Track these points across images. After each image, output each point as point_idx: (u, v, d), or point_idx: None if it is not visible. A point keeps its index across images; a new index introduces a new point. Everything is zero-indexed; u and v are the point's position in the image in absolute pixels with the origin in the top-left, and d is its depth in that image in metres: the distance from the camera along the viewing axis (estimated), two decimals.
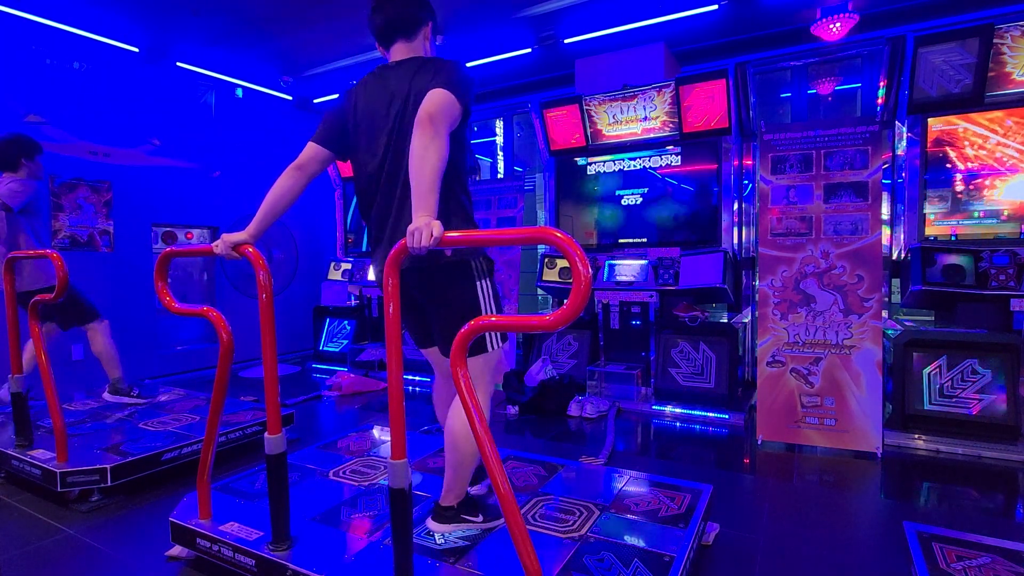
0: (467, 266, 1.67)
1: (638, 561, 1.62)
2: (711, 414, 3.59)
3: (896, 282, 3.49)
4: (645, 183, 4.25)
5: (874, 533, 2.13)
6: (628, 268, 4.10)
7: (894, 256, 3.43)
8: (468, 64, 4.90)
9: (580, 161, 4.49)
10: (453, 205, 1.64)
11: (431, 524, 1.79)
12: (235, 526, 1.84)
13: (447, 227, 1.36)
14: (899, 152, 3.45)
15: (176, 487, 2.55)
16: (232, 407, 3.21)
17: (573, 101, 4.31)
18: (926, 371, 3.03)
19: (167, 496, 2.46)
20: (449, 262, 1.62)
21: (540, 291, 4.90)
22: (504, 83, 5.46)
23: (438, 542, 1.73)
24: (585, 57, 4.57)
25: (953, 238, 3.27)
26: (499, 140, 6.12)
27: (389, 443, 1.45)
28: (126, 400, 3.38)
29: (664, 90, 4.00)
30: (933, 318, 3.54)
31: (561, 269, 4.31)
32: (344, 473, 2.33)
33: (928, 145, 3.32)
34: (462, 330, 1.23)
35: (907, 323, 3.49)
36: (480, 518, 1.80)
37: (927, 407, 3.01)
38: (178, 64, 5.06)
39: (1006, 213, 3.15)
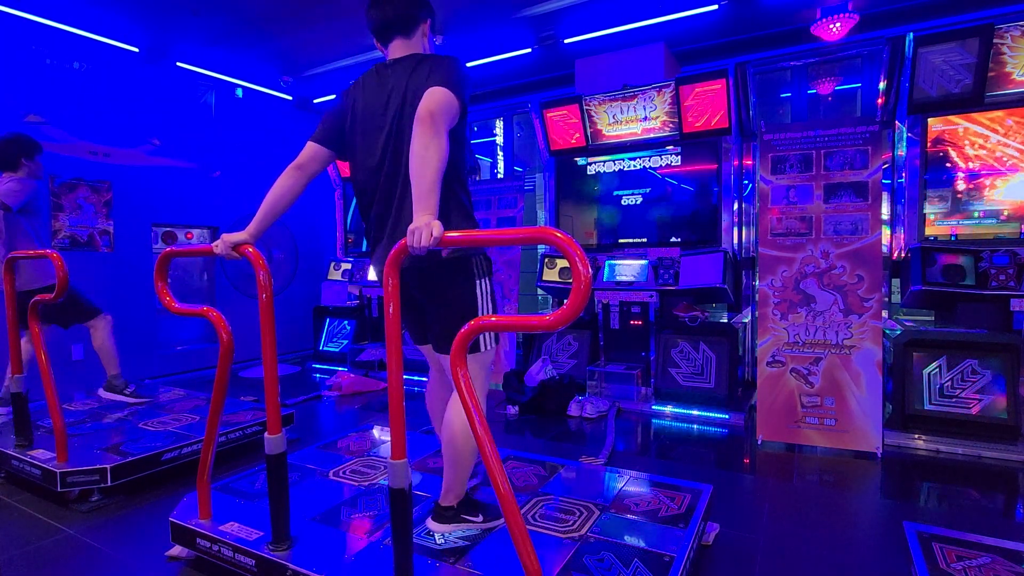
0: (467, 264, 1.67)
1: (638, 561, 1.62)
2: (711, 414, 3.59)
3: (896, 282, 3.48)
4: (645, 183, 4.25)
5: (874, 533, 2.13)
6: (628, 268, 4.10)
7: (894, 256, 3.43)
8: (468, 64, 4.90)
9: (580, 161, 4.49)
10: (453, 204, 1.64)
11: (431, 524, 1.79)
12: (235, 526, 1.84)
13: (447, 225, 1.36)
14: (899, 152, 3.45)
15: (176, 487, 2.55)
16: (232, 407, 3.21)
17: (573, 101, 4.30)
18: (926, 371, 3.03)
19: (167, 496, 2.46)
20: (449, 260, 1.62)
21: (540, 291, 4.90)
22: (504, 83, 5.46)
23: (438, 542, 1.73)
24: (585, 57, 4.57)
25: (953, 238, 3.27)
26: (499, 140, 6.12)
27: (389, 443, 1.45)
28: (122, 398, 3.38)
29: (664, 90, 4.00)
30: (933, 318, 3.54)
31: (561, 269, 4.31)
32: (344, 473, 2.33)
33: (928, 145, 3.32)
34: (462, 330, 1.23)
35: (907, 323, 3.49)
36: (480, 518, 1.80)
37: (927, 407, 3.01)
38: (178, 64, 5.06)
39: (1006, 213, 3.15)
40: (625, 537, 1.76)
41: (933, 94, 3.26)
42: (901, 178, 3.41)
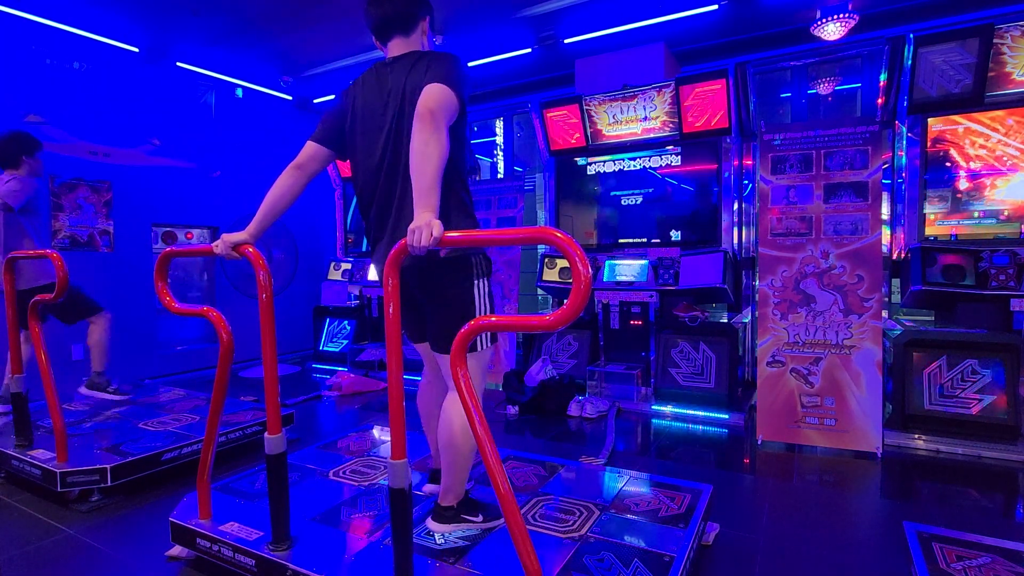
0: (466, 263, 1.67)
1: (638, 561, 1.62)
2: (711, 414, 3.59)
3: (896, 282, 3.48)
4: (645, 183, 4.25)
5: (874, 533, 2.13)
6: (628, 268, 4.10)
7: (894, 256, 3.43)
8: (468, 64, 4.90)
9: (580, 161, 4.49)
10: (454, 202, 1.64)
11: (431, 524, 1.79)
12: (235, 526, 1.84)
13: (448, 224, 1.36)
14: (899, 152, 3.45)
15: (176, 487, 2.55)
16: (232, 407, 3.21)
17: (573, 101, 4.30)
18: (926, 371, 3.03)
19: (167, 496, 2.46)
20: (449, 259, 1.62)
21: (540, 291, 4.90)
22: (504, 83, 5.46)
23: (438, 542, 1.73)
24: (585, 57, 4.57)
25: (953, 238, 3.27)
26: (499, 140, 6.12)
27: (389, 443, 1.45)
28: (104, 396, 3.36)
29: (664, 90, 4.00)
30: (933, 318, 3.54)
31: (561, 269, 4.31)
32: (344, 473, 2.33)
33: (928, 145, 3.32)
34: (462, 330, 1.23)
35: (907, 323, 3.49)
36: (480, 518, 1.80)
37: (927, 407, 3.01)
38: (178, 64, 5.06)
39: (1006, 213, 3.15)
40: (625, 537, 1.76)
41: (933, 94, 3.26)
42: (901, 178, 3.42)
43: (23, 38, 4.11)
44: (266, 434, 1.65)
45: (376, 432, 2.91)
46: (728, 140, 3.90)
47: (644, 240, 4.23)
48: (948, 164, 3.28)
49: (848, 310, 2.97)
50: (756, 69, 4.37)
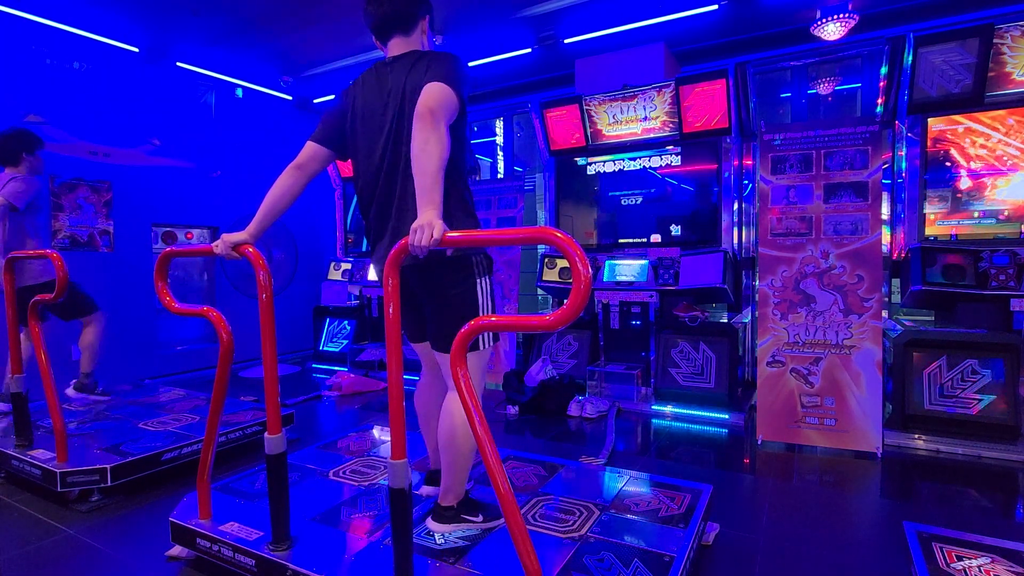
0: (468, 262, 1.67)
1: (638, 561, 1.62)
2: (711, 414, 3.59)
3: (896, 282, 3.48)
4: (645, 183, 4.25)
5: (874, 533, 2.13)
6: (628, 268, 4.10)
7: (894, 256, 3.43)
8: (468, 64, 4.90)
9: (580, 161, 4.49)
10: (456, 201, 1.64)
11: (431, 524, 1.79)
12: (235, 526, 1.84)
13: (450, 222, 1.36)
14: (899, 152, 3.45)
15: (176, 487, 2.55)
16: (232, 407, 3.21)
17: (573, 101, 4.30)
18: (926, 371, 3.03)
19: (167, 496, 2.46)
20: (450, 258, 1.62)
21: (540, 291, 4.90)
22: (504, 83, 5.46)
23: (438, 542, 1.73)
24: (585, 57, 4.57)
25: (953, 238, 3.27)
26: (499, 140, 6.12)
27: (389, 443, 1.45)
28: (92, 398, 3.36)
29: (664, 90, 4.00)
30: (933, 318, 3.54)
31: (561, 269, 4.31)
32: (344, 473, 2.33)
33: (928, 145, 3.32)
34: (463, 330, 1.23)
35: (907, 323, 3.49)
36: (480, 518, 1.80)
37: (927, 407, 3.01)
38: (178, 64, 5.06)
39: (1006, 213, 3.15)
40: (625, 537, 1.76)
41: (933, 94, 3.26)
42: (901, 178, 3.42)
43: (23, 38, 4.11)
44: (266, 434, 1.65)
45: (376, 432, 2.91)
46: (728, 140, 3.90)
47: (644, 240, 4.23)
48: (948, 164, 3.28)
49: (848, 310, 2.97)
50: (756, 69, 4.37)
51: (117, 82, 4.64)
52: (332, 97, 5.67)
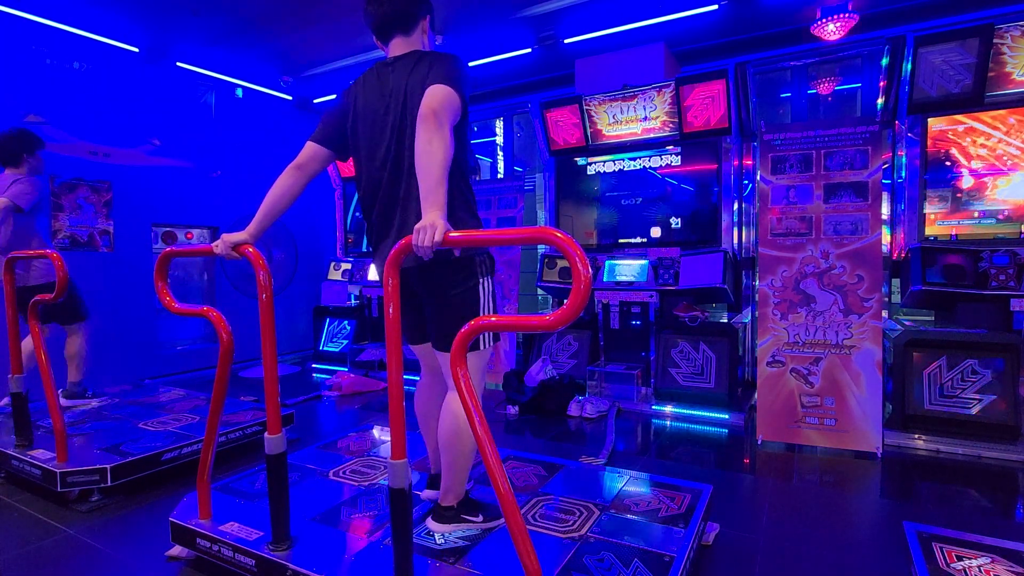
0: (470, 263, 1.67)
1: (638, 561, 1.62)
2: (711, 414, 3.59)
3: (896, 282, 3.48)
4: (645, 183, 4.25)
5: (874, 533, 2.13)
6: (628, 268, 4.10)
7: (894, 256, 3.43)
8: (469, 64, 4.90)
9: (580, 161, 4.49)
10: (459, 201, 1.64)
11: (431, 524, 1.79)
12: (235, 526, 1.84)
13: (453, 222, 1.36)
14: (899, 152, 3.45)
15: (176, 487, 2.55)
16: (232, 407, 3.21)
17: (573, 101, 4.31)
18: (926, 371, 3.03)
19: (167, 496, 2.46)
20: (454, 259, 1.62)
21: (540, 291, 4.90)
22: (504, 83, 5.46)
23: (438, 542, 1.73)
24: (585, 57, 4.57)
25: (953, 238, 3.27)
26: (499, 140, 6.12)
27: (389, 443, 1.45)
28: (83, 403, 3.35)
29: (664, 90, 4.00)
30: (933, 318, 3.54)
31: (561, 269, 4.31)
32: (344, 473, 2.33)
33: (928, 145, 3.32)
34: (463, 330, 1.23)
35: (907, 323, 3.49)
36: (480, 518, 1.80)
37: (927, 407, 3.01)
38: (178, 64, 5.06)
39: (1006, 213, 3.15)
40: (625, 537, 1.76)
41: (933, 94, 3.26)
42: (901, 178, 3.42)
43: (23, 38, 4.11)
44: (266, 434, 1.65)
45: (376, 432, 2.91)
46: (728, 140, 3.90)
47: (644, 240, 4.23)
48: (948, 164, 3.28)
49: (848, 310, 2.97)
50: (756, 69, 4.37)
51: (117, 82, 4.64)
52: (332, 97, 5.68)
